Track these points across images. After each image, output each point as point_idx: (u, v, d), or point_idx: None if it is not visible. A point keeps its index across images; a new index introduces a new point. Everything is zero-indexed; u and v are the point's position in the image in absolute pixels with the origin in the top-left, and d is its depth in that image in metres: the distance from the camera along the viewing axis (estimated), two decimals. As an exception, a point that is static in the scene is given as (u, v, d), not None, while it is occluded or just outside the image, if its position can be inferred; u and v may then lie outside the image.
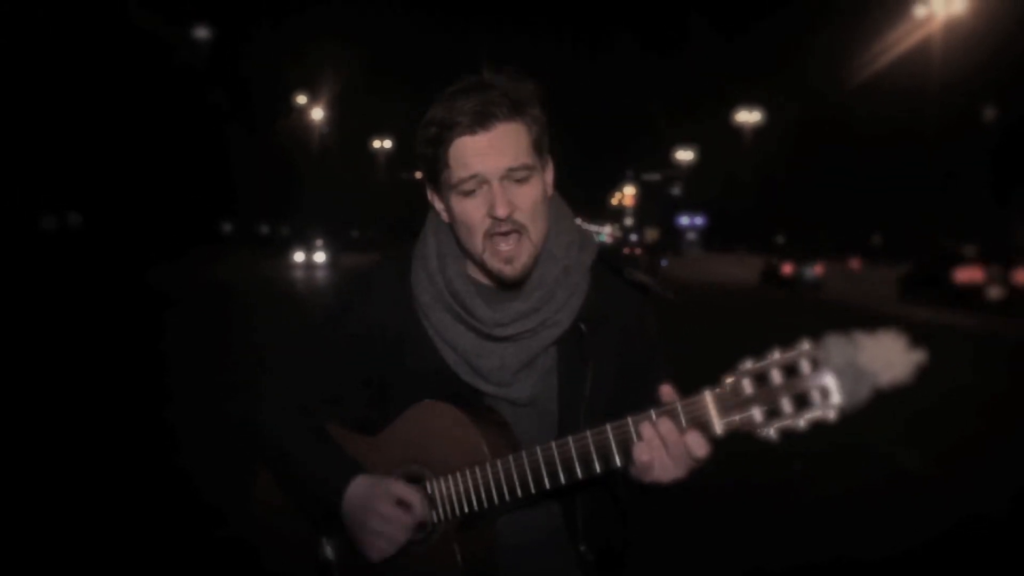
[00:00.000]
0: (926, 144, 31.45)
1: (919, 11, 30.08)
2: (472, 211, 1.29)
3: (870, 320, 1.21)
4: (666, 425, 1.10)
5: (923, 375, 0.90)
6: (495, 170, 1.27)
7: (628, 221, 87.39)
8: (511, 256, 1.29)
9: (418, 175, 1.39)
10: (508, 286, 1.34)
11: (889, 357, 0.90)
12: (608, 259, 1.41)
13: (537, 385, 1.36)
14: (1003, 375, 7.82)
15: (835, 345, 0.93)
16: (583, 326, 1.35)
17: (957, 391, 6.35)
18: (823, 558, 3.47)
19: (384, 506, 1.29)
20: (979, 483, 4.45)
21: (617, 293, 1.39)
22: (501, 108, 1.27)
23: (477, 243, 1.30)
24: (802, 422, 0.98)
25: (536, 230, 1.31)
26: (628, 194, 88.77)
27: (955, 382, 6.43)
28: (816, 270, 18.00)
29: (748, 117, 57.84)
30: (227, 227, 57.64)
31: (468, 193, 1.29)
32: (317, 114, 55.87)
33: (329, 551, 1.39)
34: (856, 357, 0.92)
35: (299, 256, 17.64)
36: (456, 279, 1.36)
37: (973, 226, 28.84)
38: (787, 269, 18.18)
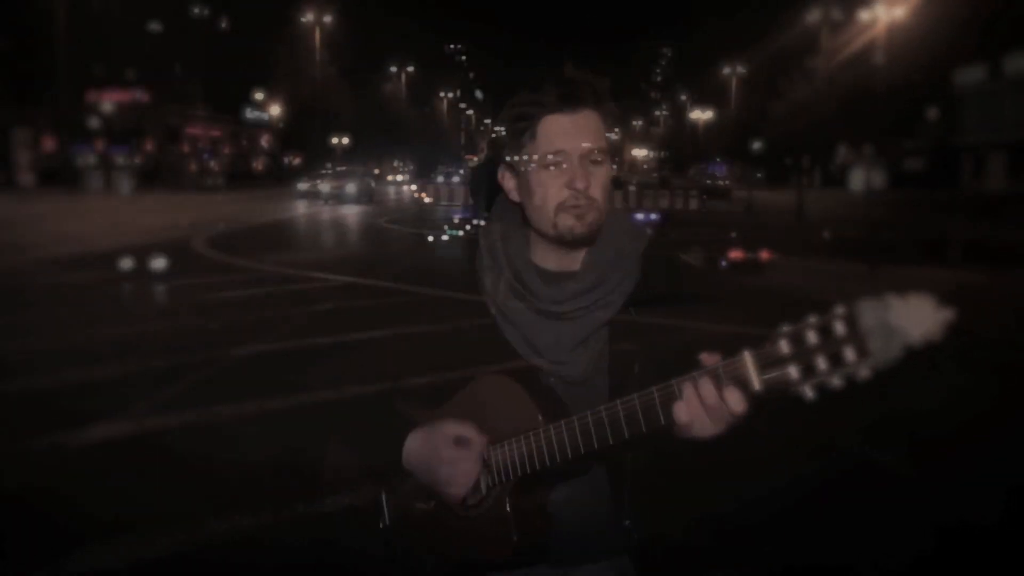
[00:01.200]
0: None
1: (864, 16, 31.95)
2: (551, 182, 1.42)
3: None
4: (706, 384, 1.16)
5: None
6: (577, 148, 1.41)
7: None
8: (582, 214, 1.42)
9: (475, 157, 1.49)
10: (572, 245, 1.46)
11: (918, 316, 0.96)
12: (658, 248, 1.54)
13: (590, 365, 1.47)
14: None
15: (867, 307, 1.00)
16: (633, 310, 1.48)
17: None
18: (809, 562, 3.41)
19: (445, 451, 1.38)
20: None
21: (666, 280, 1.52)
22: (587, 96, 1.43)
23: (549, 211, 1.44)
24: (836, 379, 1.03)
25: (603, 207, 1.44)
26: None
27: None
28: None
29: (701, 116, 67.81)
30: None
31: (550, 165, 1.43)
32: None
33: (386, 511, 1.49)
34: (887, 317, 0.98)
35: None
36: (517, 258, 1.50)
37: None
38: None
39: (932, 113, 47.06)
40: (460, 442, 1.38)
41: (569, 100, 1.42)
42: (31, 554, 3.28)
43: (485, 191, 9.56)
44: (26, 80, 37.82)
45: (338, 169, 40.94)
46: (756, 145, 61.05)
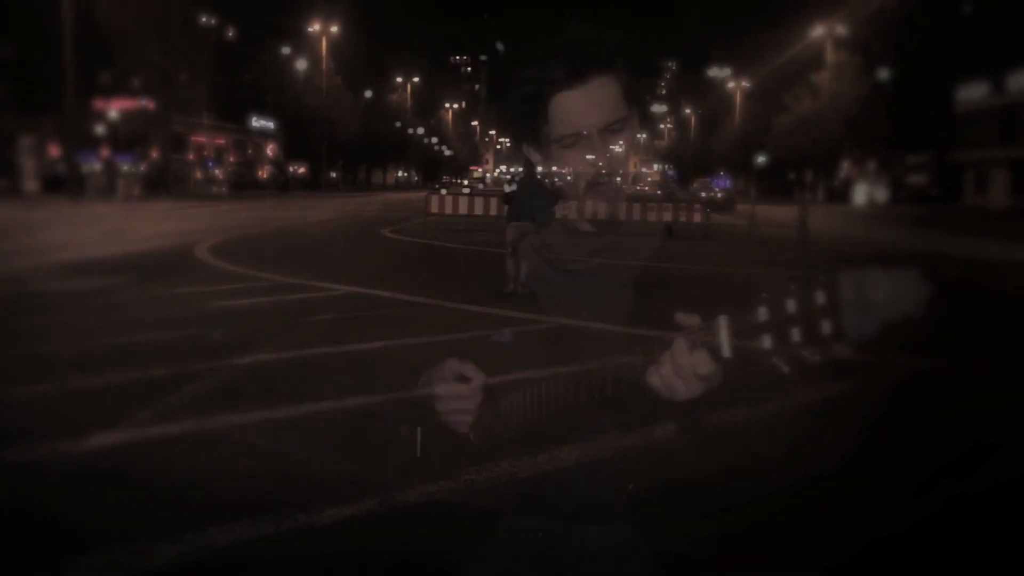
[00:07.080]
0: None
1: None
2: (574, 162, 1.39)
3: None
4: (679, 345, 1.13)
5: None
6: (594, 124, 1.36)
7: None
8: (611, 198, 1.42)
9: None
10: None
11: (897, 291, 0.94)
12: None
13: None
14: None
15: (846, 279, 0.97)
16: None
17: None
18: None
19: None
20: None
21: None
22: (594, 63, 1.36)
23: (578, 188, 1.41)
24: (809, 354, 1.00)
25: (625, 176, 1.43)
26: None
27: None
28: None
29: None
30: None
31: (569, 146, 1.38)
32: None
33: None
34: (864, 291, 0.95)
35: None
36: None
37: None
38: None
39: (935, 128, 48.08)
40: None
41: (576, 74, 1.35)
42: (29, 563, 3.27)
43: (518, 202, 9.53)
44: (32, 87, 37.97)
45: None
46: (760, 159, 61.55)
